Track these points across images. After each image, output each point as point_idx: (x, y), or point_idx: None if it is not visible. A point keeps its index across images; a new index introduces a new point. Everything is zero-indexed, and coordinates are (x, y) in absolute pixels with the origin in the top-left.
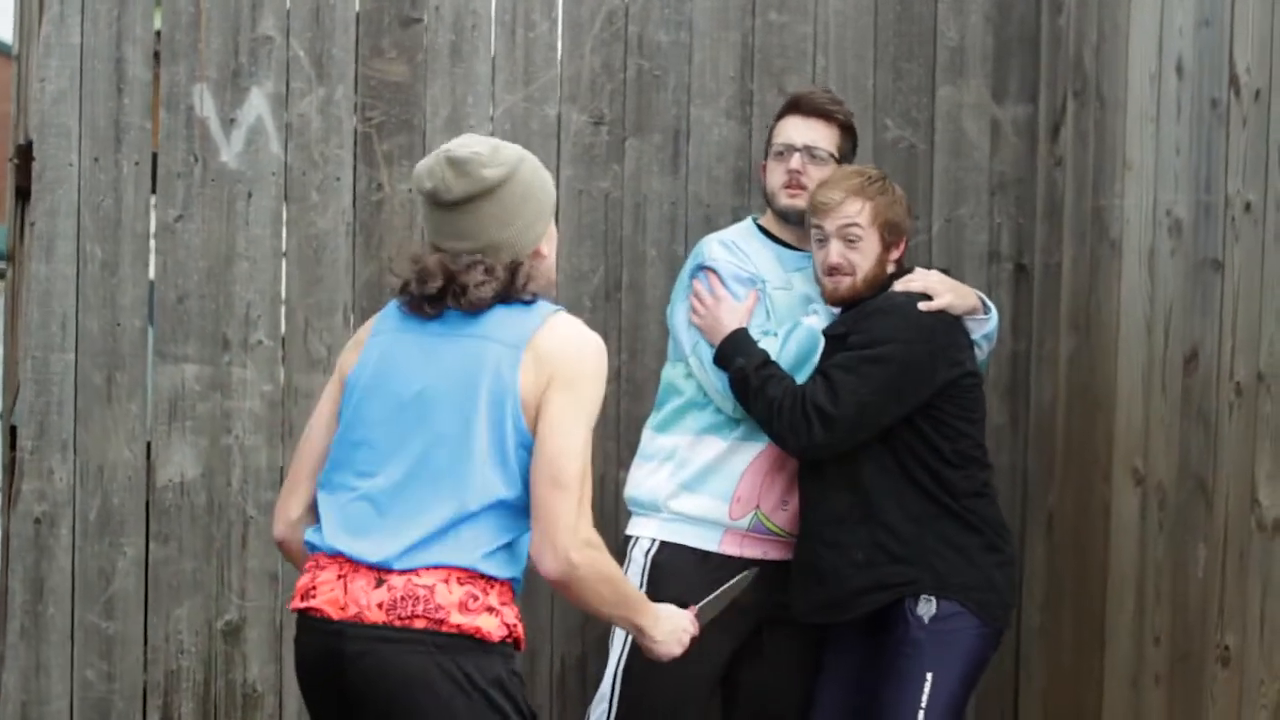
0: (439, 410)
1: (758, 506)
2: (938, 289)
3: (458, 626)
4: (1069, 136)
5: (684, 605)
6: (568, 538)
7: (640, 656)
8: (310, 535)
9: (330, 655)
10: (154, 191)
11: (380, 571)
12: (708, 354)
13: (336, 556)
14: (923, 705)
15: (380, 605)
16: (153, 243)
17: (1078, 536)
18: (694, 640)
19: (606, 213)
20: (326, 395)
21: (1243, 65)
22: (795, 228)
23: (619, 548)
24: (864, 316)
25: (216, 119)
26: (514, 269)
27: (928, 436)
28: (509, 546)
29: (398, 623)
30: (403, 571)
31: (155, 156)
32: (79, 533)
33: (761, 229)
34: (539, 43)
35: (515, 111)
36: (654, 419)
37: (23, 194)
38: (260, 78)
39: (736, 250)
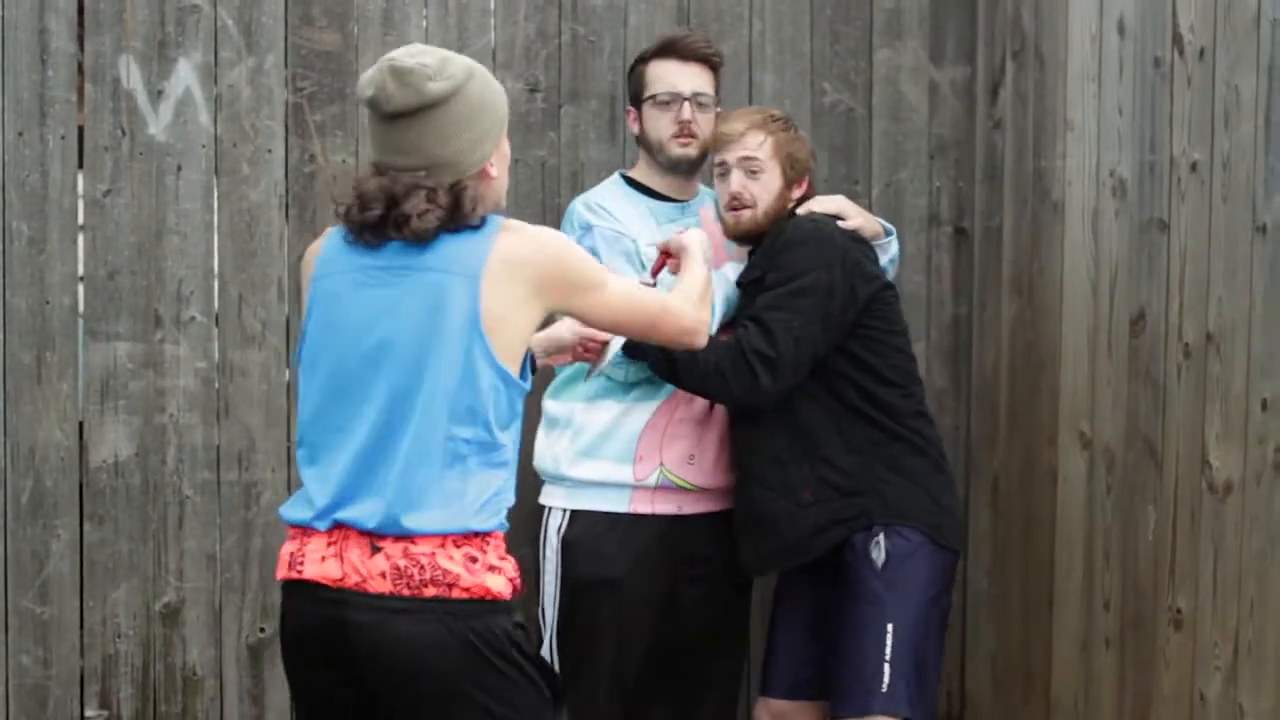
0: (401, 360)
1: (661, 463)
2: (848, 211)
3: (467, 590)
4: (1008, 98)
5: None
6: (694, 326)
7: (568, 644)
8: (288, 510)
9: (333, 625)
10: (81, 166)
11: (373, 537)
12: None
13: (325, 526)
14: (887, 659)
15: (384, 574)
16: (81, 218)
17: (1024, 500)
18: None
19: (544, 181)
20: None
21: (1186, 24)
22: (675, 177)
23: (535, 515)
24: (775, 253)
25: (144, 91)
26: (458, 193)
27: (859, 358)
28: (495, 495)
29: (407, 591)
30: (397, 538)
31: (81, 130)
32: (11, 515)
33: (631, 182)
34: (472, 8)
35: None
36: (550, 386)
37: None
38: (188, 48)
39: (601, 211)
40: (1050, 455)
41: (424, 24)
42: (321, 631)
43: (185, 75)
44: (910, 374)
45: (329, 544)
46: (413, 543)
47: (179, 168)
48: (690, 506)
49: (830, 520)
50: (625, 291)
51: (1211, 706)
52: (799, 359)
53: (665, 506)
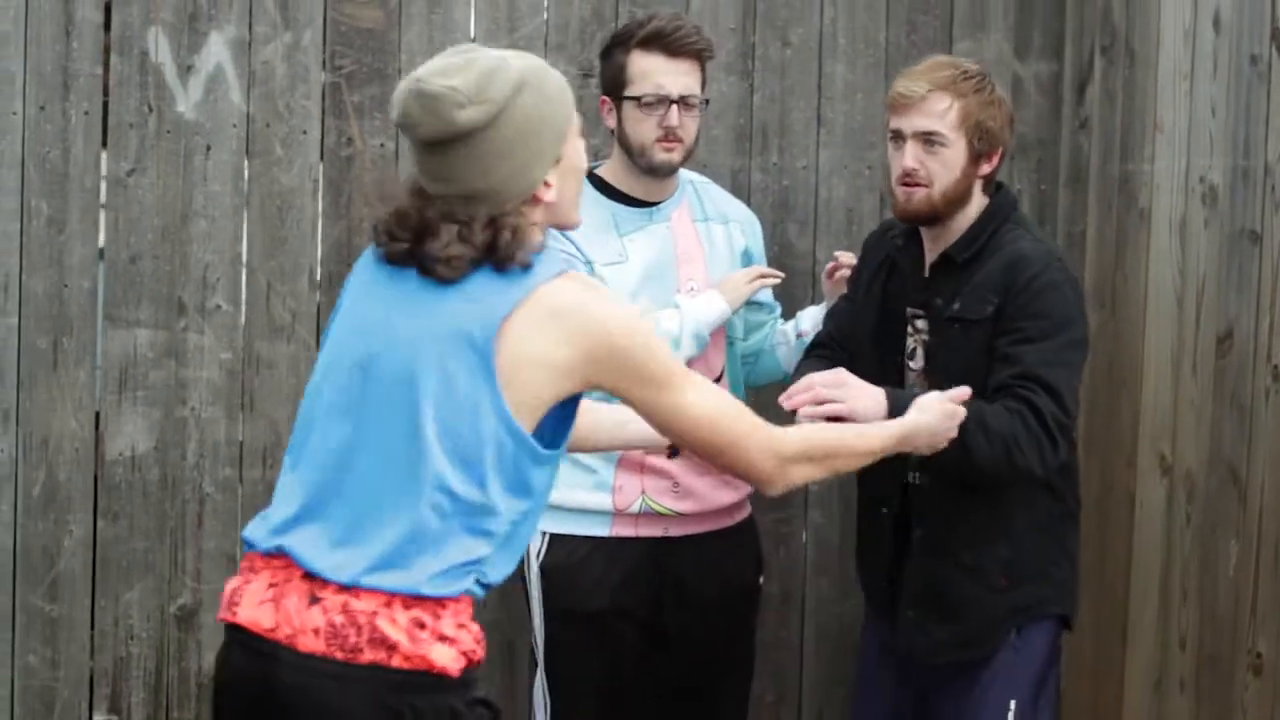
0: (389, 387)
1: (644, 492)
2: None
3: (408, 660)
4: (1096, 96)
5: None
6: (768, 479)
7: (557, 658)
8: (249, 530)
9: (263, 680)
10: (105, 143)
11: (314, 585)
12: None
13: (272, 558)
14: None
15: (316, 631)
16: (103, 198)
17: (1099, 526)
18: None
19: None
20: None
21: None
22: (653, 180)
23: None
24: (1026, 294)
25: (173, 66)
26: (496, 230)
27: None
28: (468, 564)
29: (340, 655)
30: (339, 589)
31: (106, 105)
32: (21, 509)
33: (599, 182)
34: None
35: None
36: None
37: None
38: (220, 21)
39: (552, 230)
40: (1128, 478)
41: (472, 2)
42: (250, 685)
43: (217, 50)
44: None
45: (269, 585)
46: (355, 597)
47: (208, 148)
48: (677, 529)
49: (1013, 610)
50: (711, 403)
51: None
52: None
53: (650, 530)
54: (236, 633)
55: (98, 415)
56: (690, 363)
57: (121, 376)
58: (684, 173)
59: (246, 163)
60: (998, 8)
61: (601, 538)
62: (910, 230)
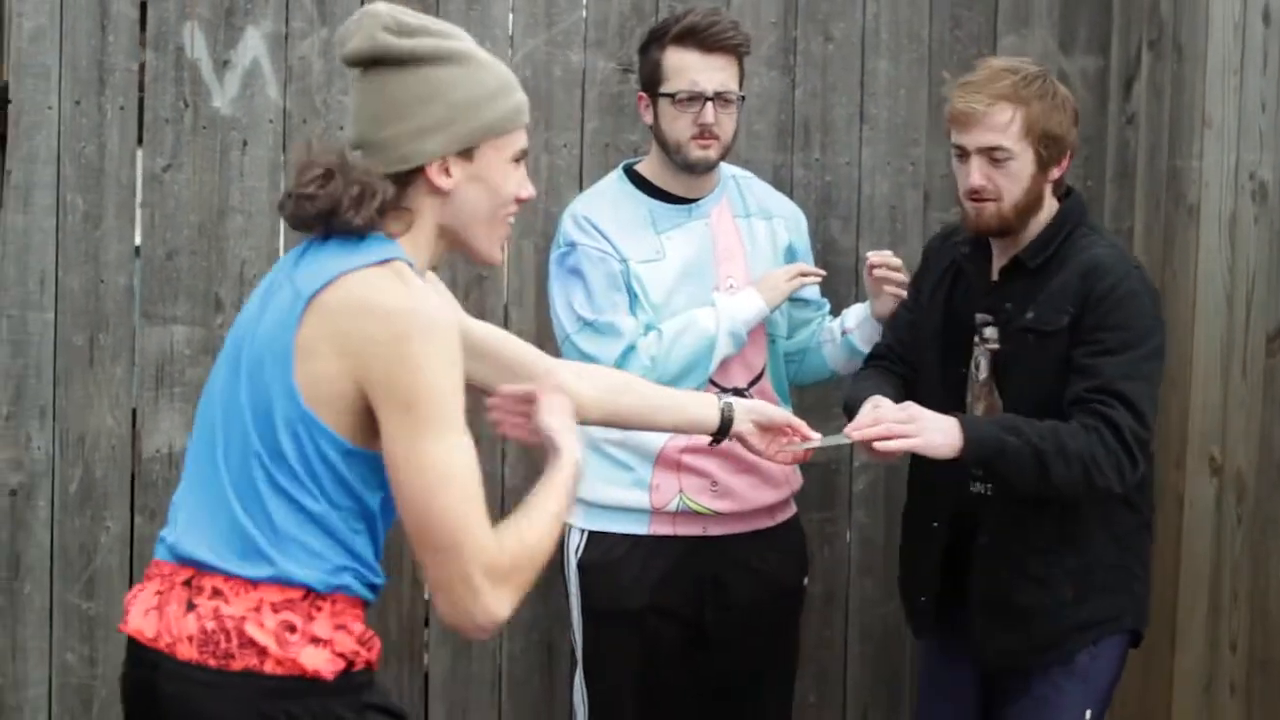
0: (233, 378)
1: (681, 490)
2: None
3: (280, 665)
4: (1143, 91)
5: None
6: (464, 612)
7: (596, 657)
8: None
9: (148, 690)
10: (140, 139)
11: (190, 591)
12: (572, 350)
13: (163, 563)
14: None
15: (191, 639)
16: (139, 194)
17: None
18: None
19: None
20: None
21: None
22: (690, 177)
23: None
24: (1104, 304)
25: (209, 61)
26: (349, 183)
27: None
28: (318, 555)
29: (213, 662)
30: (213, 594)
31: (142, 101)
32: (58, 506)
33: (635, 177)
34: None
35: (536, 57)
36: None
37: (0, 139)
38: (257, 16)
39: (589, 228)
40: (1177, 480)
41: None
42: (139, 694)
43: (253, 45)
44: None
45: (156, 593)
46: (225, 602)
47: (244, 143)
48: (716, 528)
49: (1086, 621)
50: (459, 468)
51: None
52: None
53: (688, 529)
54: (129, 642)
55: (134, 412)
56: (728, 361)
57: (158, 373)
58: (726, 168)
59: (283, 159)
60: (1043, 2)
61: (639, 536)
62: (976, 235)
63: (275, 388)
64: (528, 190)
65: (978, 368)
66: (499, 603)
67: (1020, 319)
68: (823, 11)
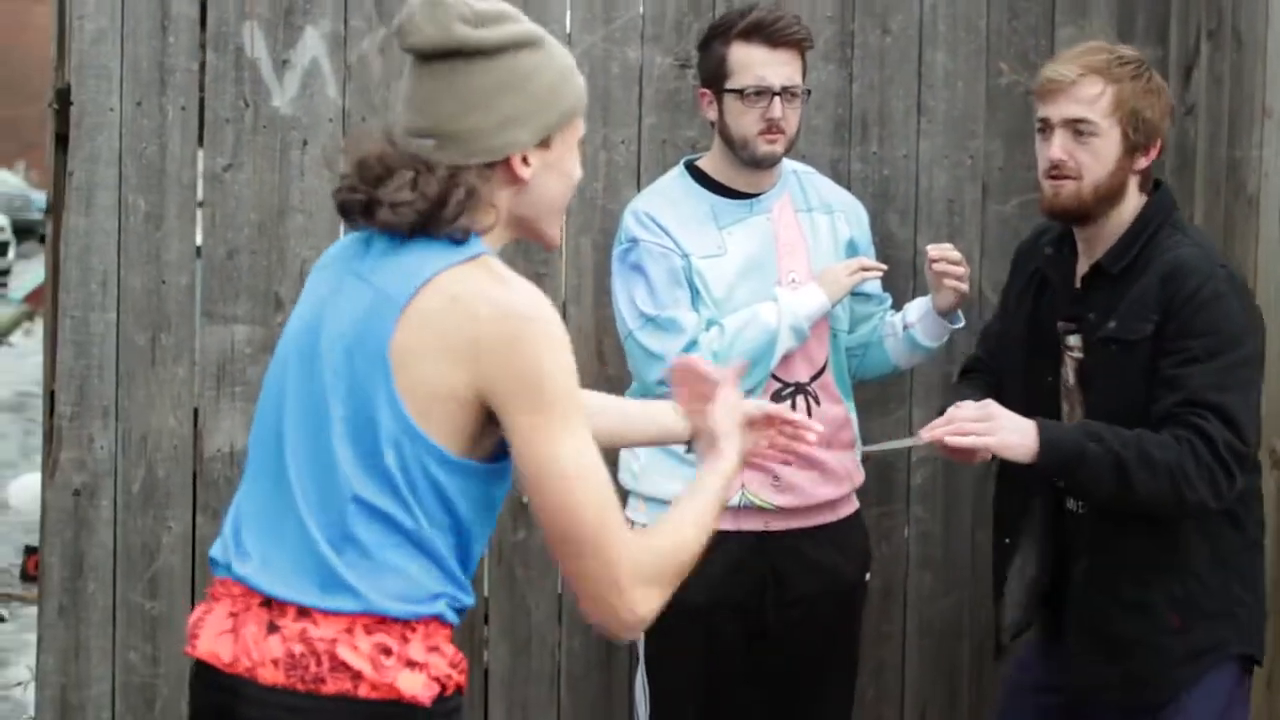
0: (312, 386)
1: (743, 486)
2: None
3: (375, 689)
4: (1202, 80)
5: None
6: (608, 608)
7: (658, 653)
8: (214, 548)
9: (227, 716)
10: (201, 139)
11: (271, 612)
12: (635, 346)
13: (231, 583)
14: None
15: (276, 662)
16: (200, 194)
17: None
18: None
19: None
20: None
21: None
22: (754, 172)
23: None
24: (1188, 308)
25: (268, 60)
26: (450, 186)
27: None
28: (415, 582)
29: (302, 687)
30: (298, 614)
31: (202, 101)
32: (121, 505)
33: (697, 173)
34: None
35: (594, 53)
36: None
37: (62, 141)
38: (316, 16)
39: (650, 225)
40: None
41: None
42: None
43: (312, 45)
44: (1256, 451)
45: (230, 614)
46: (314, 624)
47: (304, 142)
48: (778, 523)
49: (1191, 652)
50: (590, 467)
51: None
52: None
53: (750, 524)
54: (198, 666)
55: (196, 411)
56: (790, 355)
57: (219, 373)
58: (787, 162)
59: (343, 158)
60: None
61: None
62: (1061, 236)
63: (377, 400)
64: (580, 172)
65: (1067, 376)
66: (645, 603)
67: (1103, 328)
68: (880, 4)
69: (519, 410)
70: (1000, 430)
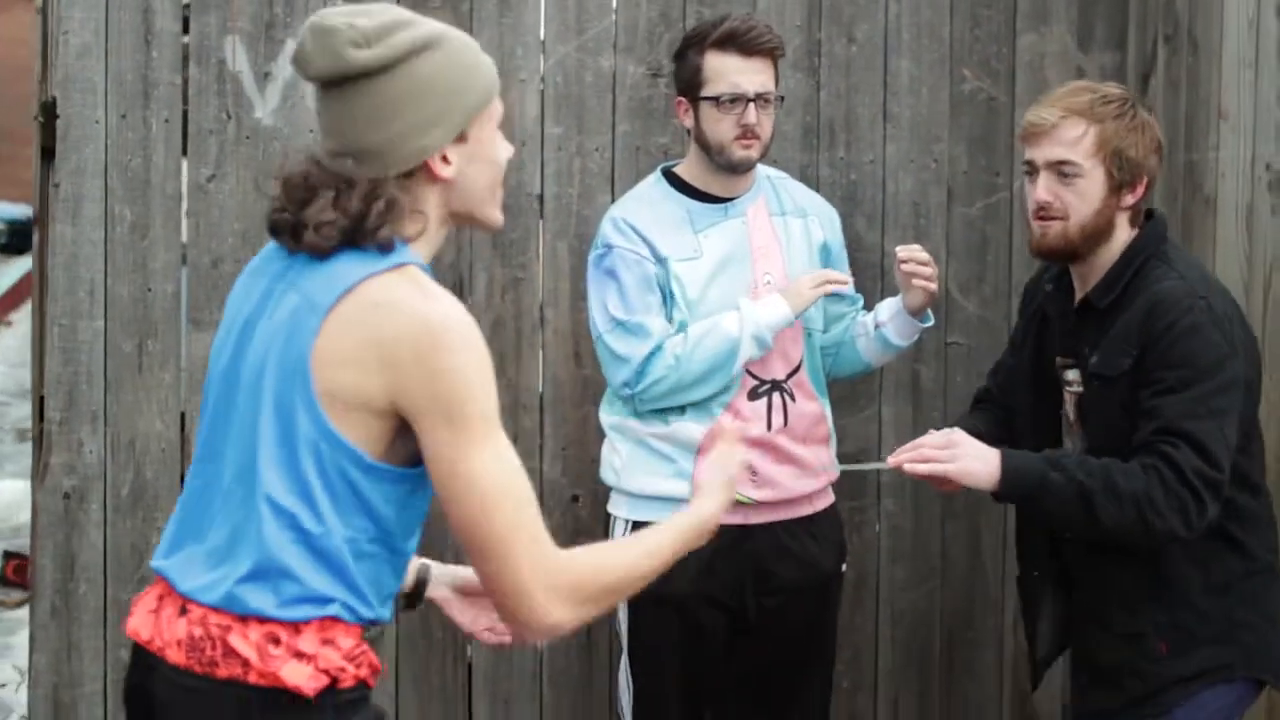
0: (238, 396)
1: None
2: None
3: (261, 677)
4: (1160, 85)
5: (666, 599)
6: (530, 610)
7: (641, 645)
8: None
9: (145, 691)
10: (185, 150)
11: (185, 599)
12: (604, 349)
13: (158, 577)
14: None
15: (180, 643)
16: (184, 204)
17: None
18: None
19: None
20: None
21: None
22: (730, 176)
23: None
24: (1162, 341)
25: (250, 73)
26: (370, 200)
27: (1234, 466)
28: (315, 595)
29: (198, 669)
30: (200, 605)
31: (186, 113)
32: (111, 508)
33: (674, 179)
34: None
35: (567, 63)
36: (604, 397)
37: (48, 153)
38: (296, 29)
39: (627, 230)
40: None
41: (542, 5)
42: (134, 696)
43: None
44: (1262, 474)
45: (158, 595)
46: (213, 610)
47: (286, 153)
48: (756, 517)
49: (1184, 675)
50: (505, 478)
51: None
52: (1229, 471)
53: (731, 518)
54: (132, 645)
55: (183, 416)
56: (766, 354)
57: (204, 378)
58: (761, 168)
59: (271, 181)
60: (1060, 0)
61: None
62: (1061, 273)
63: (296, 405)
64: (508, 150)
65: (1068, 411)
66: (555, 611)
67: (1089, 364)
68: (846, 14)
69: (432, 423)
70: (962, 458)
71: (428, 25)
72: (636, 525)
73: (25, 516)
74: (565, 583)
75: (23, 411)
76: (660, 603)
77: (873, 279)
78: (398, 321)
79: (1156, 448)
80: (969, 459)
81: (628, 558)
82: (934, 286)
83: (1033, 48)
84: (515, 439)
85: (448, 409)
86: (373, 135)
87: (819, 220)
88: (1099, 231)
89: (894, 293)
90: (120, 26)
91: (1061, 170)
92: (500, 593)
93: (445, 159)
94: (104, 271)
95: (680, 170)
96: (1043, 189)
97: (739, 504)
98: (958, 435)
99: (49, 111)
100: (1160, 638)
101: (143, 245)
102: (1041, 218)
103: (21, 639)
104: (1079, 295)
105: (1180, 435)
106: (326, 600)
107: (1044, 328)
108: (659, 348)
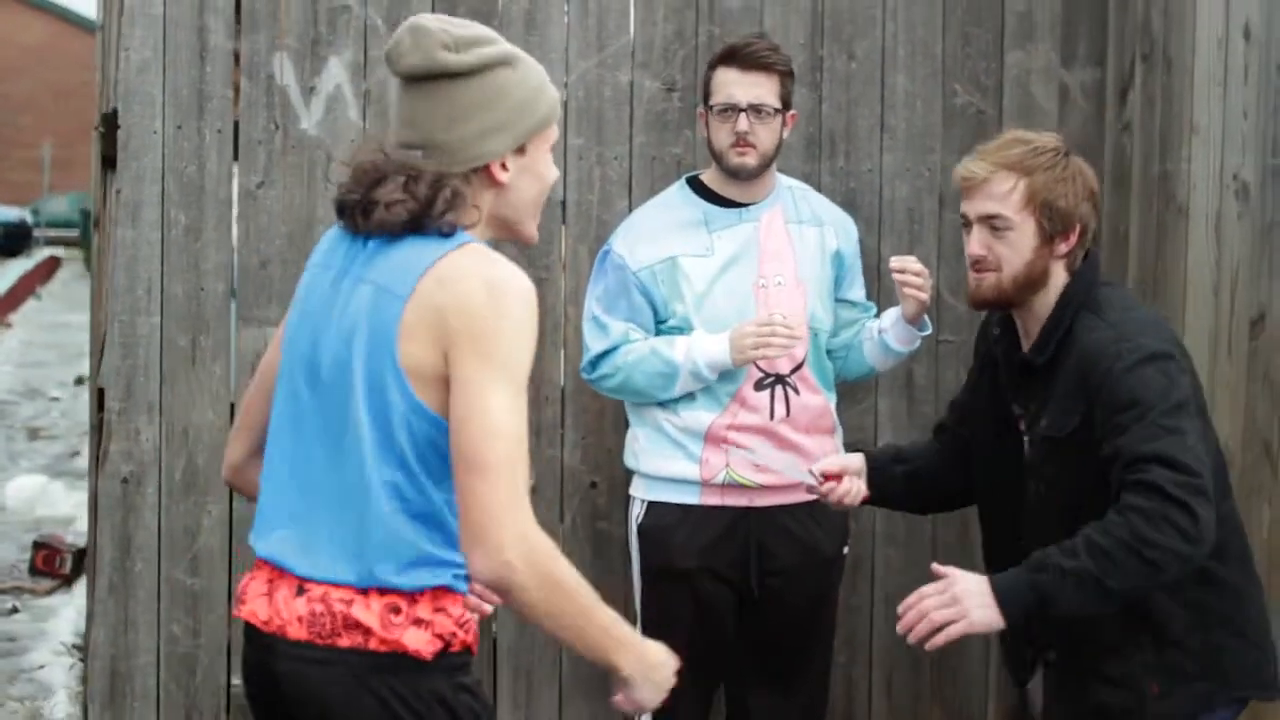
0: (327, 382)
1: (728, 465)
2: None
3: (384, 644)
4: (1137, 101)
5: (675, 572)
6: (497, 531)
7: (652, 618)
8: (251, 534)
9: (264, 671)
10: (236, 158)
11: (301, 579)
12: (584, 335)
13: (257, 553)
14: None
15: (300, 619)
16: (235, 209)
17: None
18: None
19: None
20: (282, 327)
21: None
22: (740, 182)
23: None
24: (1105, 389)
25: (296, 87)
26: (437, 187)
27: None
28: (426, 556)
29: (319, 641)
30: (320, 583)
31: (237, 124)
32: (165, 491)
33: (696, 184)
34: (612, 10)
35: (588, 78)
36: None
37: (109, 162)
38: (339, 46)
39: (625, 234)
40: None
41: (565, 23)
42: (258, 674)
43: (336, 72)
44: (1226, 490)
45: (268, 580)
46: (334, 587)
47: (329, 161)
48: (761, 500)
49: (1174, 712)
50: (495, 403)
51: None
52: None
53: (735, 500)
54: (246, 628)
55: (232, 406)
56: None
57: (253, 370)
58: (784, 179)
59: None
60: (1045, 20)
61: (691, 505)
62: (1005, 319)
63: (387, 382)
64: (555, 173)
65: (1029, 455)
66: (511, 552)
67: (1038, 425)
68: (846, 32)
69: (464, 355)
70: (970, 611)
71: (508, 45)
72: (651, 504)
73: (44, 510)
74: (532, 535)
75: (31, 410)
76: (669, 574)
77: (871, 282)
78: (462, 287)
79: (1128, 481)
80: (975, 610)
81: (584, 583)
82: (925, 296)
83: (1019, 64)
84: (538, 430)
85: (486, 348)
86: (447, 132)
87: (834, 229)
88: (1032, 281)
89: (888, 294)
90: (177, 43)
91: (993, 224)
92: (476, 508)
93: (504, 166)
94: (160, 271)
95: (703, 177)
96: (975, 242)
97: (744, 487)
98: (955, 587)
99: (110, 122)
100: (1151, 680)
101: (196, 247)
102: (977, 270)
103: (55, 624)
104: (1023, 344)
105: (1146, 459)
106: (440, 564)
107: (996, 375)
108: (614, 349)
